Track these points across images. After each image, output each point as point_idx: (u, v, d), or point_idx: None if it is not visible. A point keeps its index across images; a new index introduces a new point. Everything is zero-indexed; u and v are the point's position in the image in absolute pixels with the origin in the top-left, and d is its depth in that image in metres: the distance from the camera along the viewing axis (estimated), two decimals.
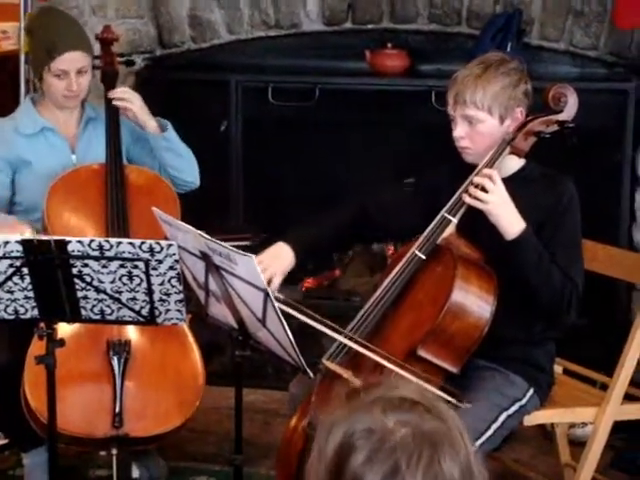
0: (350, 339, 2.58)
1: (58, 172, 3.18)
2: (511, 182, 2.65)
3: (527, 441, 3.54)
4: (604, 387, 2.92)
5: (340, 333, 2.59)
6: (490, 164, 2.65)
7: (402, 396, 1.31)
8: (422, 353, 2.55)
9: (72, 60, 3.17)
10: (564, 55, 4.01)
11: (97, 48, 3.37)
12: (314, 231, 2.83)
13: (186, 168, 3.31)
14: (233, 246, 2.36)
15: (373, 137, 4.04)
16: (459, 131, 2.68)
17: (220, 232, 2.88)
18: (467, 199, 2.61)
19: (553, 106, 2.68)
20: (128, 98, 3.24)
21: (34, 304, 2.56)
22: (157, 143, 3.26)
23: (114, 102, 3.24)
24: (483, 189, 2.57)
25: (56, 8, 3.63)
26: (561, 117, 2.69)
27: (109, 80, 3.31)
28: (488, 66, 2.66)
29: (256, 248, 2.96)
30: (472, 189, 2.60)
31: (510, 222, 2.58)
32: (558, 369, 3.01)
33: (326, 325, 2.56)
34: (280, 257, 2.73)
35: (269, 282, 2.67)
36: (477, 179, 2.61)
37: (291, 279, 3.70)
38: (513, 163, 2.72)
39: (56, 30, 3.21)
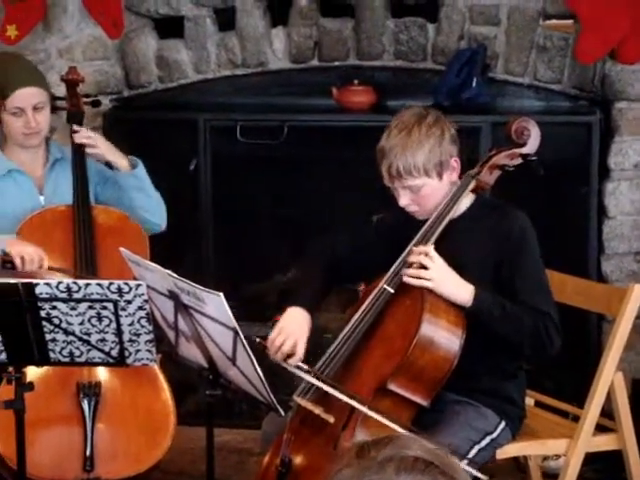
0: (318, 378, 2.57)
1: (27, 214, 3.16)
2: (464, 219, 2.68)
3: (501, 474, 3.53)
4: (576, 419, 2.92)
5: (309, 372, 2.58)
6: (454, 200, 2.67)
7: (416, 456, 1.26)
8: (392, 387, 2.55)
9: (26, 96, 3.17)
10: (528, 89, 4.04)
11: (63, 90, 3.38)
12: (313, 286, 2.81)
13: (155, 209, 3.29)
14: None
15: (342, 173, 4.05)
16: (405, 200, 2.69)
17: None
18: (410, 280, 2.59)
19: (516, 139, 2.71)
20: (92, 143, 3.23)
21: (2, 348, 2.54)
22: (127, 182, 3.24)
23: (79, 141, 3.22)
24: (423, 267, 2.58)
25: (9, 52, 3.64)
26: (524, 150, 2.71)
27: (75, 121, 3.31)
28: (410, 130, 2.64)
29: None
30: (412, 271, 2.58)
31: (457, 291, 2.58)
32: (530, 401, 3.01)
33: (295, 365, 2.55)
34: (299, 321, 2.71)
35: (294, 348, 2.63)
36: (413, 258, 2.60)
37: (262, 316, 3.72)
38: (465, 200, 2.73)
39: (8, 69, 3.23)
